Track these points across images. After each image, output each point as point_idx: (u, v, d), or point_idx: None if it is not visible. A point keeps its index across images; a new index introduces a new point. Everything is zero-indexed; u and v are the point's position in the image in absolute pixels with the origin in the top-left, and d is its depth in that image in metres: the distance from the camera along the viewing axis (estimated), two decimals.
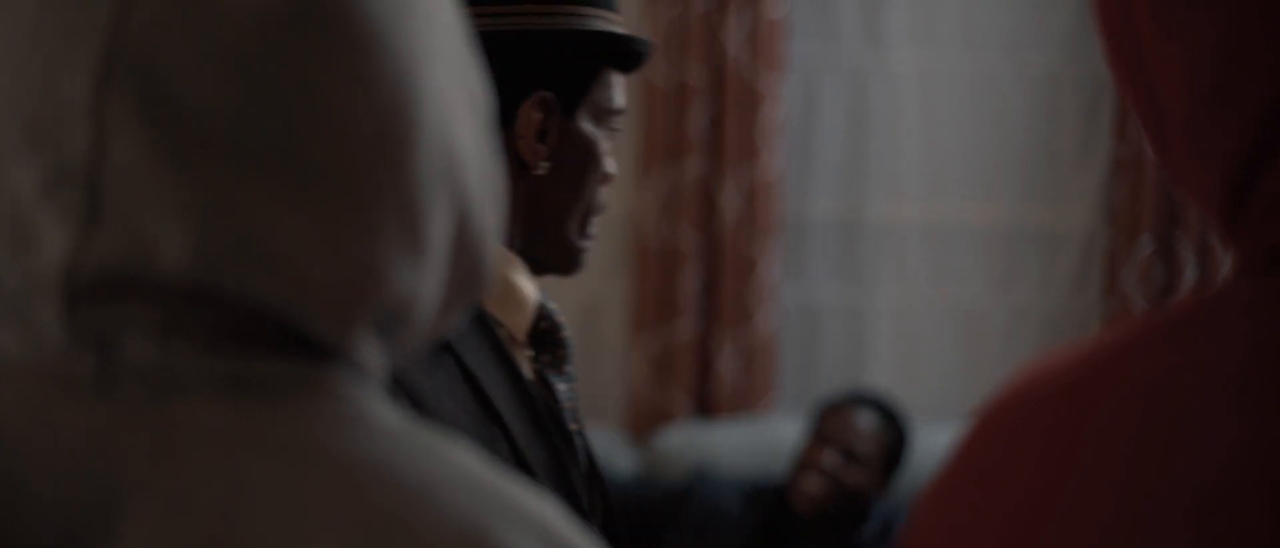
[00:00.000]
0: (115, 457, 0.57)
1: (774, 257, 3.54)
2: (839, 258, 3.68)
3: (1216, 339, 0.57)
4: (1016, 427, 0.60)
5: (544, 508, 0.61)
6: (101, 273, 0.58)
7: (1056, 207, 3.61)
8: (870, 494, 2.99)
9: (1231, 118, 0.59)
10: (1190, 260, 3.34)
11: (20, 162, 0.58)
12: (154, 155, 0.57)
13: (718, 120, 3.52)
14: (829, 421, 3.02)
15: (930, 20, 3.61)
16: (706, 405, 3.58)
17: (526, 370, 1.30)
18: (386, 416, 0.62)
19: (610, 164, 1.34)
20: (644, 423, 3.56)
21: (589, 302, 3.72)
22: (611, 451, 3.40)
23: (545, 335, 1.33)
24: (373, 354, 0.63)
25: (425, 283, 0.63)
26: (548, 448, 1.25)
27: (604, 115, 1.31)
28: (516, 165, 1.26)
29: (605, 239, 3.67)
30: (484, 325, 1.24)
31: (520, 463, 1.21)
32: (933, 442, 3.14)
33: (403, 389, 1.12)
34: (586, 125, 1.30)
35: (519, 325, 1.29)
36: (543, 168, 1.27)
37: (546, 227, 1.29)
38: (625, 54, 1.31)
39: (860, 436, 2.98)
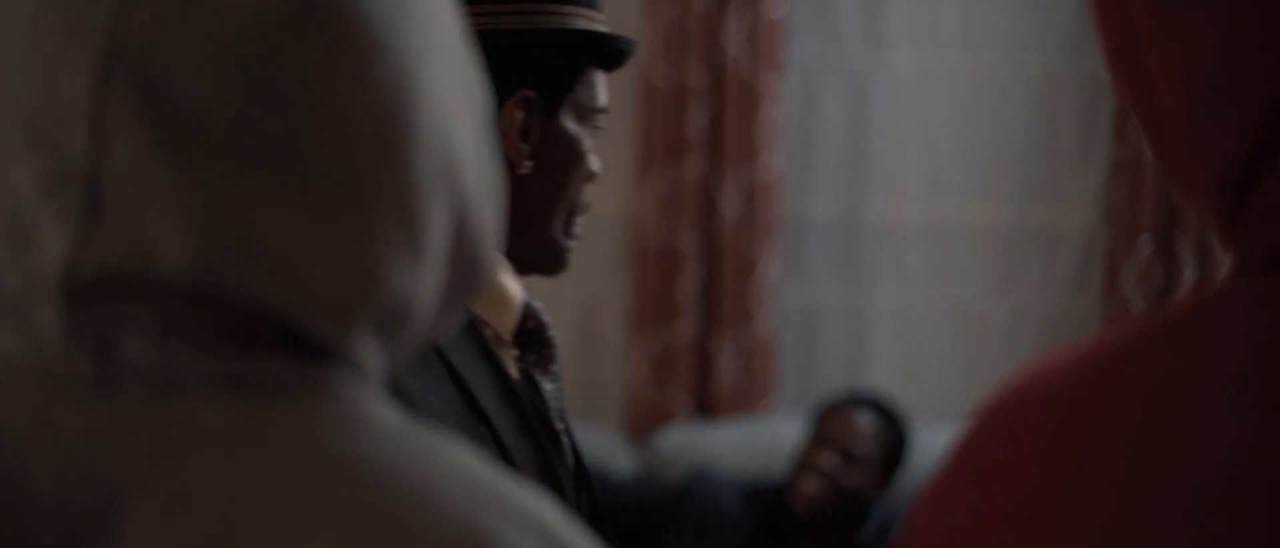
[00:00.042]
0: (115, 457, 0.57)
1: (774, 257, 3.54)
2: (839, 258, 3.68)
3: (1216, 339, 0.57)
4: (1016, 427, 0.60)
5: (543, 508, 0.61)
6: (101, 273, 0.58)
7: (1056, 207, 3.61)
8: (869, 495, 2.99)
9: (1230, 118, 0.59)
10: (1189, 261, 3.34)
11: (20, 161, 0.58)
12: (154, 155, 0.57)
13: (717, 120, 3.52)
14: (828, 422, 3.02)
15: (930, 20, 3.61)
16: (706, 406, 3.58)
17: (513, 371, 1.30)
18: (386, 416, 0.62)
19: (594, 162, 1.34)
20: (644, 423, 3.56)
21: (589, 302, 3.72)
22: (611, 451, 3.40)
23: (531, 335, 1.33)
24: (371, 354, 0.63)
25: (424, 283, 0.63)
26: (534, 448, 1.25)
27: (587, 113, 1.31)
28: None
29: (605, 239, 3.67)
30: (470, 326, 1.24)
31: (507, 463, 1.21)
32: (933, 442, 3.14)
33: (390, 390, 1.12)
34: (569, 124, 1.30)
35: (505, 325, 1.29)
36: (526, 167, 1.27)
37: (530, 226, 1.29)
38: (607, 52, 1.31)
39: (859, 437, 2.98)
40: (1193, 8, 0.59)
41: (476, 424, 1.20)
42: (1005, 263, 3.64)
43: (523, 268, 1.33)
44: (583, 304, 3.71)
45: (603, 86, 1.33)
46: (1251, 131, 0.59)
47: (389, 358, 0.65)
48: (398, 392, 1.12)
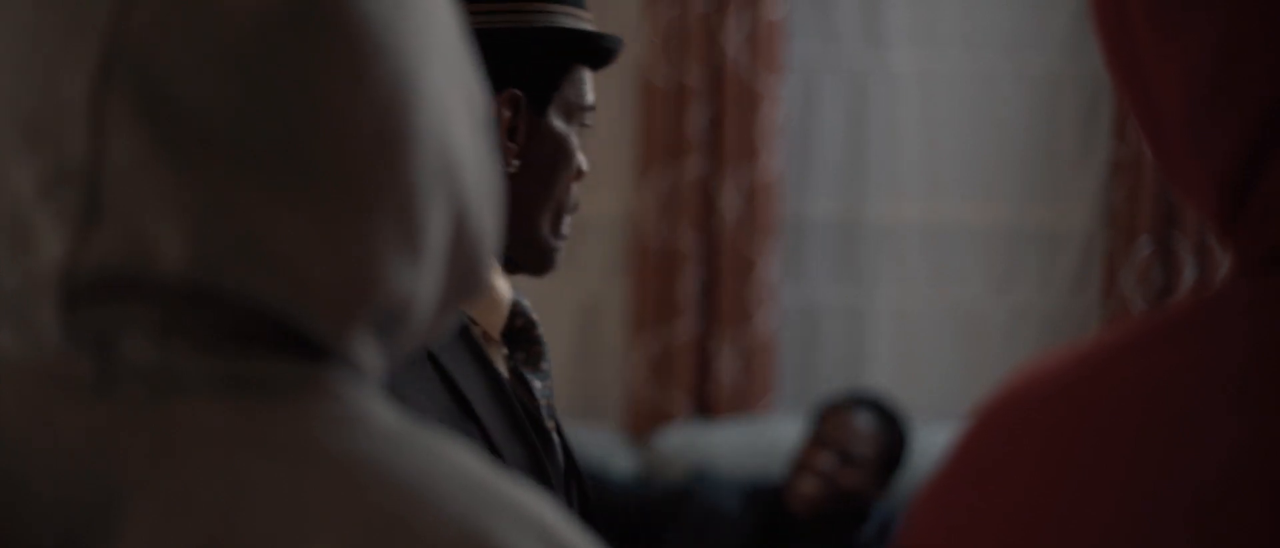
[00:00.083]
0: (115, 457, 0.57)
1: (773, 257, 3.54)
2: (839, 258, 3.68)
3: (1216, 339, 0.57)
4: (1015, 427, 0.60)
5: (543, 508, 0.61)
6: (101, 273, 0.58)
7: (1056, 207, 3.61)
8: (868, 496, 2.99)
9: (1229, 118, 0.59)
10: (1189, 261, 3.34)
11: (19, 162, 0.58)
12: (153, 155, 0.57)
13: (717, 121, 3.52)
14: (827, 422, 3.03)
15: (930, 20, 3.61)
16: (706, 406, 3.58)
17: (502, 369, 1.30)
18: (385, 415, 0.62)
19: (582, 161, 1.34)
20: (643, 423, 3.56)
21: (589, 302, 3.72)
22: (611, 451, 3.40)
23: (520, 333, 1.33)
24: (370, 354, 0.63)
25: (423, 283, 0.63)
26: (524, 446, 1.25)
27: (575, 112, 1.32)
28: None
29: (605, 239, 3.67)
30: (459, 325, 1.25)
31: (497, 461, 1.21)
32: (933, 442, 3.14)
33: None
34: (557, 122, 1.30)
35: (493, 324, 1.29)
36: (513, 166, 1.27)
37: (518, 225, 1.29)
38: (594, 51, 1.31)
39: (857, 438, 2.98)
40: (1190, 7, 0.59)
41: (466, 422, 1.20)
42: (1005, 263, 3.64)
43: (511, 267, 1.33)
44: (583, 304, 3.71)
45: (590, 85, 1.33)
46: (1251, 131, 0.59)
47: (387, 358, 0.65)
48: (385, 390, 1.12)
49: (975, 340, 3.65)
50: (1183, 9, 0.60)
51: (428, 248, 0.62)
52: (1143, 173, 3.35)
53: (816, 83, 3.65)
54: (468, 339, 1.24)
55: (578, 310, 3.71)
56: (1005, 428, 0.61)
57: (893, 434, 3.02)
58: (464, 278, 0.66)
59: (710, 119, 3.53)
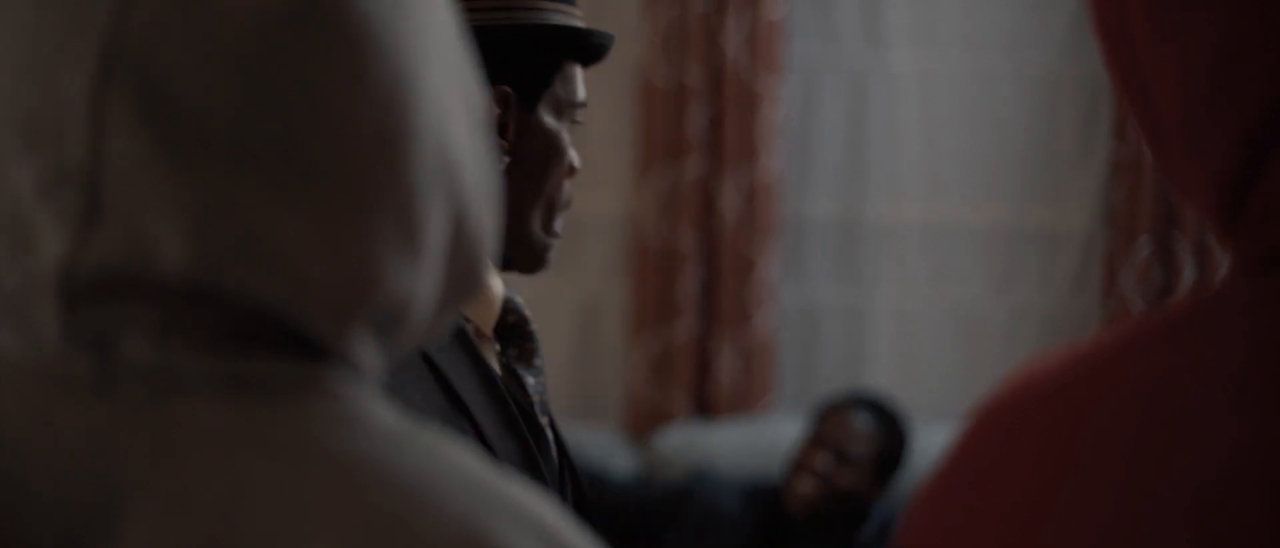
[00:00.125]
0: (115, 457, 0.57)
1: (773, 257, 3.54)
2: (838, 258, 3.68)
3: (1216, 339, 0.57)
4: (1013, 427, 0.60)
5: (543, 508, 0.61)
6: (100, 273, 0.58)
7: (1056, 207, 3.61)
8: (865, 496, 2.98)
9: (1228, 118, 0.59)
10: (1188, 262, 3.34)
11: (19, 161, 0.58)
12: (153, 155, 0.57)
13: (717, 121, 3.52)
14: (825, 422, 3.03)
15: (930, 20, 3.61)
16: (706, 406, 3.58)
17: (495, 365, 1.30)
18: (384, 415, 0.62)
19: (574, 157, 1.34)
20: (643, 423, 3.56)
21: (589, 302, 3.72)
22: (611, 451, 3.40)
23: (513, 329, 1.33)
24: (369, 354, 0.63)
25: (422, 283, 0.63)
26: (517, 441, 1.25)
27: (566, 108, 1.32)
28: None
29: (605, 239, 3.67)
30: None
31: (490, 457, 1.21)
32: (932, 442, 3.14)
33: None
34: (548, 119, 1.30)
35: (485, 320, 1.30)
36: (503, 162, 1.27)
37: (509, 222, 1.29)
38: (585, 47, 1.31)
39: (854, 437, 2.98)
40: (1189, 7, 0.59)
41: (458, 418, 1.20)
42: (1005, 263, 3.64)
43: (504, 264, 1.33)
44: (583, 304, 3.71)
45: (581, 81, 1.33)
46: (1250, 131, 0.59)
47: (386, 358, 0.65)
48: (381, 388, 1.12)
49: (975, 341, 3.65)
50: (1182, 9, 0.60)
51: (427, 248, 0.62)
52: (1143, 173, 3.35)
53: (816, 83, 3.65)
54: (460, 336, 1.24)
55: (577, 310, 3.71)
56: (1003, 428, 0.61)
57: (891, 435, 3.02)
58: (463, 278, 0.66)
59: (710, 119, 3.53)
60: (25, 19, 0.59)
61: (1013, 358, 3.58)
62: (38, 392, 0.58)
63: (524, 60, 1.28)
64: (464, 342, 1.24)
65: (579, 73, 1.33)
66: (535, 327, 1.35)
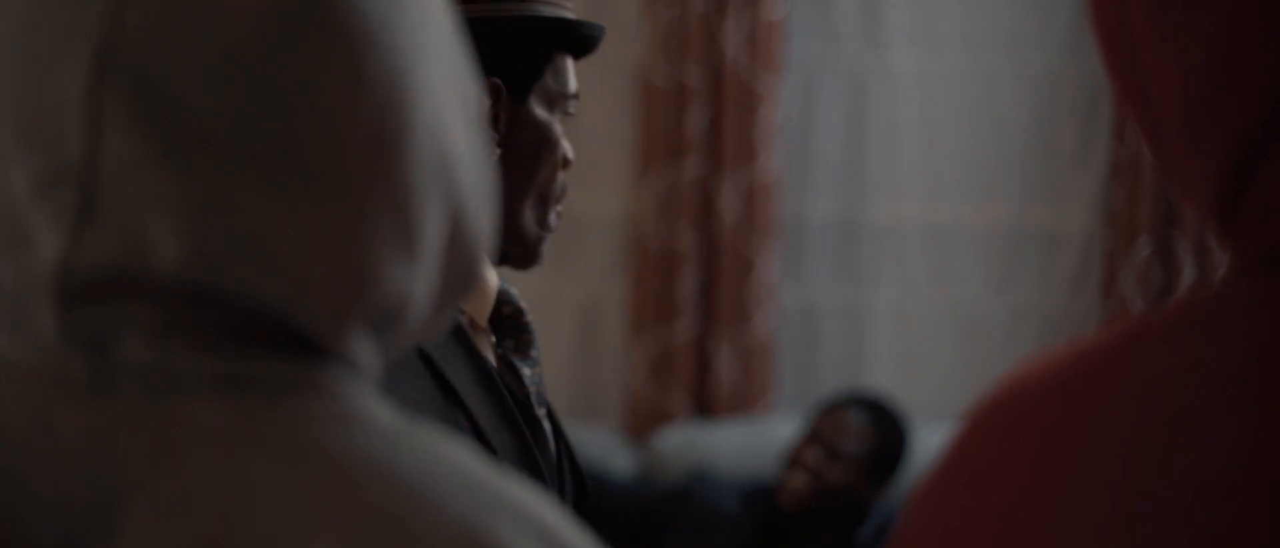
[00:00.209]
0: (115, 457, 0.57)
1: (773, 257, 3.54)
2: (838, 259, 3.68)
3: (1216, 339, 0.57)
4: (1011, 426, 0.60)
5: (543, 507, 0.61)
6: (96, 273, 0.58)
7: (1056, 208, 3.61)
8: (860, 494, 2.98)
9: (1228, 118, 0.59)
10: (1188, 262, 3.34)
11: (15, 161, 0.58)
12: (150, 155, 0.57)
13: (716, 121, 3.52)
14: (821, 419, 3.03)
15: (930, 20, 3.61)
16: (705, 406, 3.58)
17: (490, 357, 1.29)
18: (382, 414, 0.62)
19: (567, 148, 1.34)
20: (643, 423, 3.56)
21: (588, 302, 3.72)
22: (611, 451, 3.40)
23: (508, 321, 1.33)
24: (367, 353, 0.63)
25: (419, 282, 0.63)
26: (512, 433, 1.24)
27: (557, 100, 1.32)
28: None
29: (604, 239, 3.67)
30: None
31: (486, 450, 1.20)
32: (932, 442, 3.14)
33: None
34: (539, 111, 1.30)
35: (480, 311, 1.29)
36: (494, 154, 1.27)
37: (502, 214, 1.29)
38: (575, 38, 1.31)
39: (847, 434, 2.98)
40: (1189, 7, 0.59)
41: (453, 411, 1.19)
42: (1005, 263, 3.64)
43: (498, 258, 1.33)
44: (582, 304, 3.71)
45: (572, 73, 1.34)
46: (1249, 131, 0.58)
47: (384, 356, 0.65)
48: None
49: (975, 341, 3.65)
50: (1181, 9, 0.59)
51: (424, 246, 0.62)
52: (1142, 173, 3.35)
53: (816, 83, 3.65)
54: (455, 328, 1.24)
55: (577, 310, 3.71)
56: (1000, 427, 0.61)
57: (886, 433, 3.02)
58: (460, 277, 0.66)
59: (709, 119, 3.53)
60: (22, 18, 0.58)
61: (1013, 358, 3.58)
62: (36, 392, 0.58)
63: (514, 52, 1.28)
64: (459, 334, 1.24)
65: (570, 64, 1.33)
66: (531, 318, 1.34)
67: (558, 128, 1.32)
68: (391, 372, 1.13)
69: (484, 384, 1.23)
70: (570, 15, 1.31)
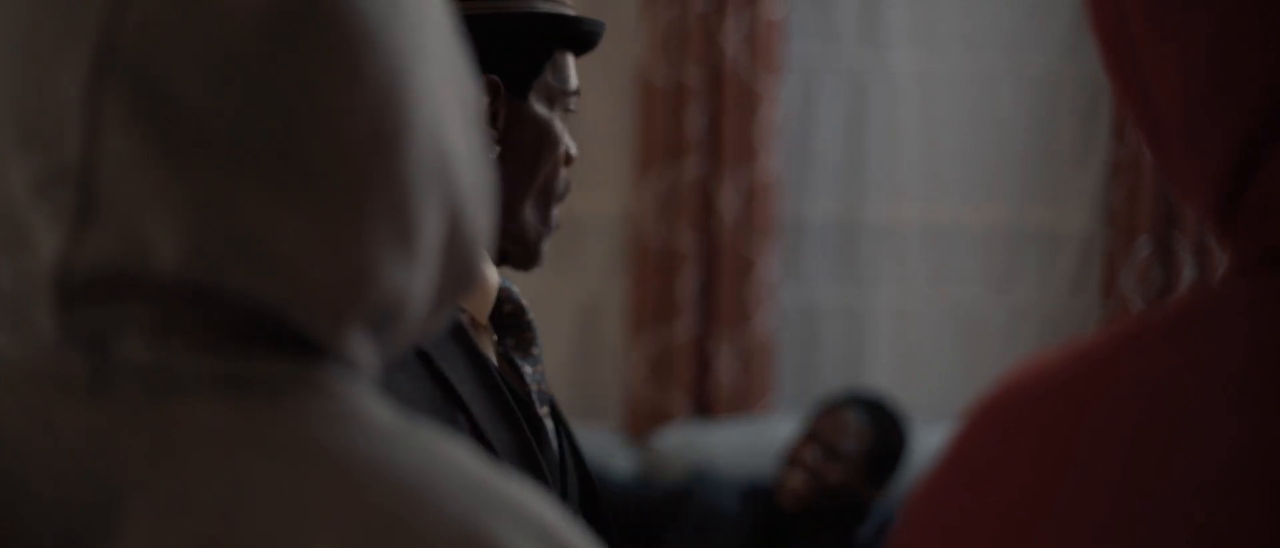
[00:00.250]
0: (115, 457, 0.57)
1: (772, 257, 3.54)
2: (838, 259, 3.68)
3: (1216, 339, 0.57)
4: (1010, 425, 0.60)
5: (543, 507, 0.61)
6: (96, 273, 0.58)
7: (1055, 208, 3.61)
8: (859, 493, 2.98)
9: (1228, 118, 0.59)
10: (1188, 261, 3.34)
11: (15, 161, 0.58)
12: (149, 155, 0.57)
13: (716, 121, 3.52)
14: (820, 419, 3.03)
15: (930, 21, 3.61)
16: (705, 406, 3.58)
17: (491, 355, 1.29)
18: (382, 414, 0.62)
19: (570, 144, 1.34)
20: (643, 423, 3.56)
21: (588, 302, 3.72)
22: (610, 451, 3.40)
23: (509, 318, 1.32)
24: (365, 352, 0.63)
25: (417, 281, 0.63)
26: (512, 431, 1.23)
27: (558, 97, 1.32)
28: None
29: (604, 239, 3.67)
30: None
31: (485, 448, 1.20)
32: (932, 442, 3.14)
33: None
34: (539, 107, 1.30)
35: (480, 309, 1.29)
36: (494, 152, 1.27)
37: (502, 212, 1.28)
38: (575, 35, 1.31)
39: (845, 433, 2.98)
40: (1188, 7, 0.59)
41: (451, 409, 1.19)
42: (1005, 263, 3.64)
43: (499, 258, 1.32)
44: (582, 304, 3.71)
45: (573, 69, 1.33)
46: (1249, 131, 0.58)
47: (382, 355, 0.65)
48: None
49: (975, 341, 3.65)
50: (1181, 9, 0.59)
51: (422, 246, 0.62)
52: (1142, 173, 3.35)
53: (816, 83, 3.65)
54: (455, 326, 1.24)
55: (577, 310, 3.71)
56: (999, 427, 0.60)
57: (884, 433, 3.02)
58: (458, 276, 0.66)
59: (709, 119, 3.52)
60: (22, 18, 0.58)
61: (1013, 358, 3.57)
62: (36, 392, 0.58)
63: (513, 49, 1.28)
64: (458, 333, 1.23)
65: (571, 61, 1.33)
66: (532, 316, 1.34)
67: (558, 125, 1.32)
68: (389, 371, 1.13)
69: (483, 382, 1.23)
70: (569, 11, 1.31)
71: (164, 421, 0.57)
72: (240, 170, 0.57)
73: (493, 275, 1.30)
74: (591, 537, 0.63)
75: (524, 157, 1.29)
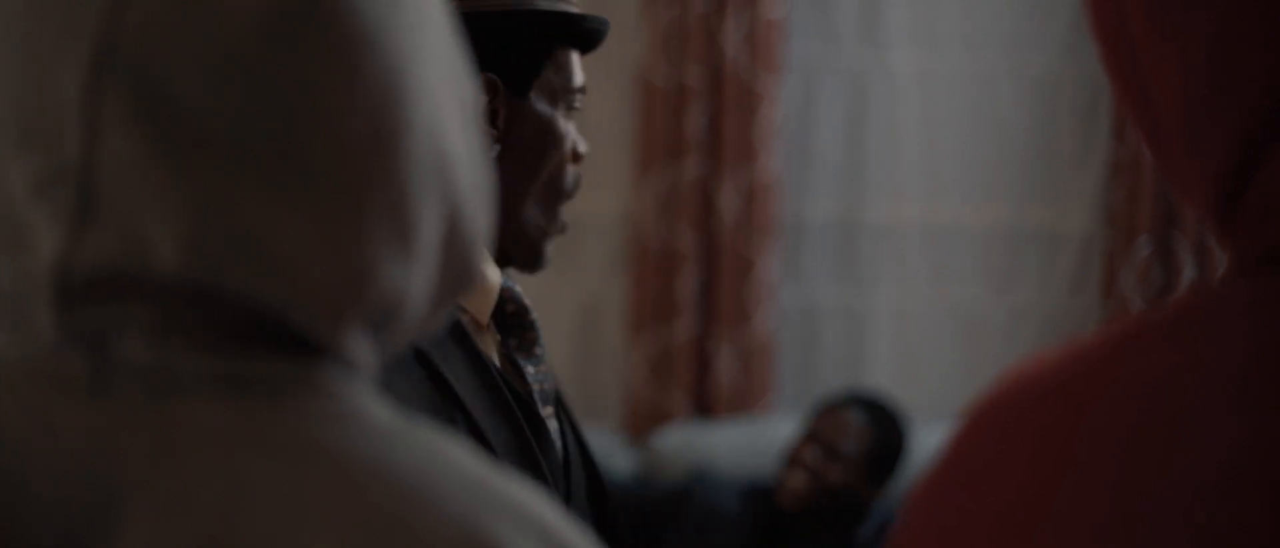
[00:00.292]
0: (115, 457, 0.57)
1: (772, 257, 3.54)
2: (838, 259, 3.68)
3: (1216, 339, 0.57)
4: (1008, 425, 0.60)
5: (543, 507, 0.61)
6: (95, 273, 0.58)
7: (1055, 208, 3.61)
8: (859, 493, 2.98)
9: (1228, 118, 0.59)
10: (1188, 261, 3.34)
11: (14, 161, 0.58)
12: (149, 155, 0.57)
13: (716, 121, 3.52)
14: (820, 419, 3.03)
15: (930, 21, 3.61)
16: (705, 406, 3.58)
17: (493, 355, 1.28)
18: (381, 413, 0.62)
19: (577, 141, 1.33)
20: (643, 423, 3.56)
21: (588, 302, 3.72)
22: (610, 451, 3.40)
23: (512, 318, 1.31)
24: (364, 351, 0.63)
25: (415, 281, 0.63)
26: (512, 432, 1.22)
27: (561, 94, 1.31)
28: None
29: (604, 239, 3.67)
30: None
31: (484, 448, 1.19)
32: (932, 443, 3.14)
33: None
34: (541, 105, 1.29)
35: (482, 310, 1.28)
36: (494, 151, 1.26)
37: (504, 211, 1.28)
38: (577, 32, 1.31)
39: (845, 433, 2.98)
40: (1188, 7, 0.59)
41: (450, 409, 1.18)
42: (1004, 263, 3.64)
43: (502, 259, 1.32)
44: (582, 304, 3.71)
45: (577, 66, 1.32)
46: (1249, 130, 0.58)
47: (381, 355, 0.65)
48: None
49: (975, 341, 3.65)
50: (1181, 9, 0.59)
51: (421, 245, 0.62)
52: (1142, 173, 3.35)
53: (816, 83, 3.65)
54: (455, 326, 1.23)
55: (577, 310, 3.71)
56: (998, 427, 0.60)
57: (884, 433, 3.02)
58: (457, 275, 0.66)
59: (709, 119, 3.52)
60: (21, 18, 0.58)
61: (1012, 358, 3.57)
62: (36, 392, 0.58)
63: (512, 47, 1.27)
64: (458, 332, 1.23)
65: (575, 58, 1.32)
66: (536, 316, 1.33)
67: (562, 122, 1.31)
68: (388, 369, 1.12)
69: (483, 382, 1.22)
70: (571, 9, 1.31)
71: (164, 421, 0.57)
72: (240, 170, 0.57)
73: (494, 276, 1.30)
74: (593, 537, 0.63)
75: (525, 155, 1.29)
